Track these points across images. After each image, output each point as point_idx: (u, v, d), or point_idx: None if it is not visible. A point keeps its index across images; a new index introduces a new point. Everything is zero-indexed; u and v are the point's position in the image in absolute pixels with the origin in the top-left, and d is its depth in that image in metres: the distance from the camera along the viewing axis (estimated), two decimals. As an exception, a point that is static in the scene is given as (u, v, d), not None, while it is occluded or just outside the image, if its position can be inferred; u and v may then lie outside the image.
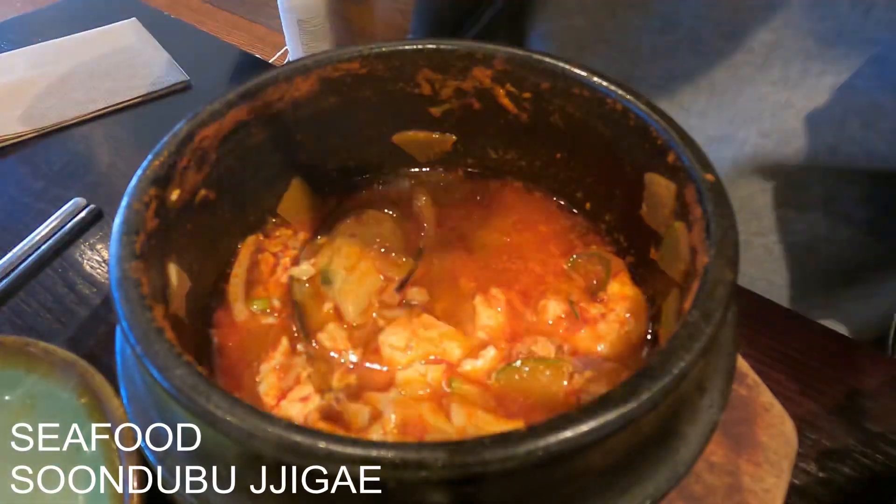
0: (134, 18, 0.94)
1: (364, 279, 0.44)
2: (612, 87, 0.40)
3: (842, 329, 0.68)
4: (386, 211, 0.48)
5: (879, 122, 0.58)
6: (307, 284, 0.44)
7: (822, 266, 0.70)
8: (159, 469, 0.31)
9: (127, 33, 0.92)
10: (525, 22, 0.76)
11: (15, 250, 0.60)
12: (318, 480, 0.26)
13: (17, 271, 0.59)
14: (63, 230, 0.63)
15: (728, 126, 0.64)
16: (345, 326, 0.42)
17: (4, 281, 0.58)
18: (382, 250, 0.45)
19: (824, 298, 0.71)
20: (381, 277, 0.44)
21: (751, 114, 0.62)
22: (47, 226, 0.63)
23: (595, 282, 0.44)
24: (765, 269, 0.69)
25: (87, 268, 0.60)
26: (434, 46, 0.44)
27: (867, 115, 0.58)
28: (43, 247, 0.61)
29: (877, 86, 0.57)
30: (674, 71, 0.65)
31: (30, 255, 0.61)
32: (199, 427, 0.28)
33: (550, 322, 0.42)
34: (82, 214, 0.65)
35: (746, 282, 0.68)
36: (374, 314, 0.42)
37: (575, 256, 0.46)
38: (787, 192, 0.66)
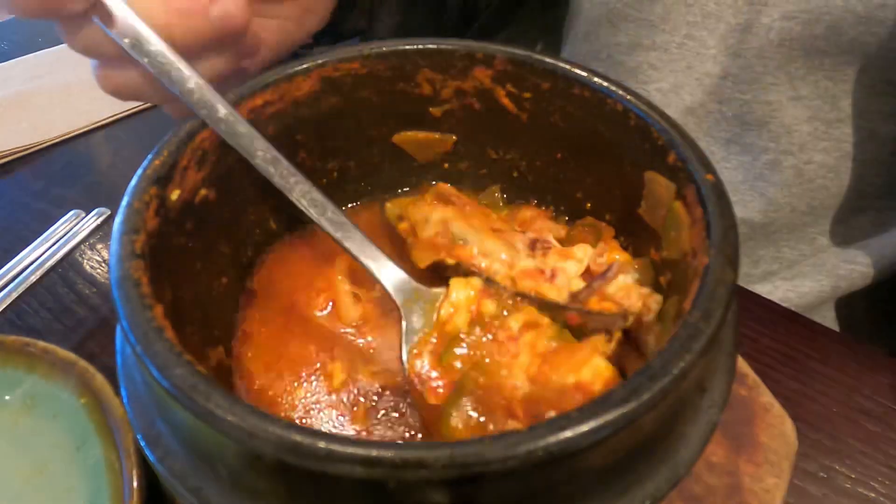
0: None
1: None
2: (613, 87, 0.40)
3: (864, 261, 0.67)
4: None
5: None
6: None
7: (845, 190, 0.68)
8: (159, 469, 0.31)
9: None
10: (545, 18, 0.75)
11: (18, 258, 0.60)
12: (318, 480, 0.26)
13: (21, 278, 0.59)
14: (70, 240, 0.63)
15: (749, 9, 0.62)
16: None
17: (7, 289, 0.58)
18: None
19: (845, 228, 0.70)
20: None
21: None
22: (50, 234, 0.63)
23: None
24: (792, 194, 0.68)
25: (87, 268, 0.60)
26: (434, 46, 0.44)
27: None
28: (49, 256, 0.61)
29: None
30: None
31: (34, 262, 0.60)
32: (199, 427, 0.28)
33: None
34: (93, 220, 0.65)
35: (773, 207, 0.68)
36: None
37: (570, 228, 0.47)
38: (816, 103, 0.64)
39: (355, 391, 0.40)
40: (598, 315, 0.39)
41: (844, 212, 0.69)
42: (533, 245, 0.43)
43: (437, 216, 0.44)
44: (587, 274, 0.41)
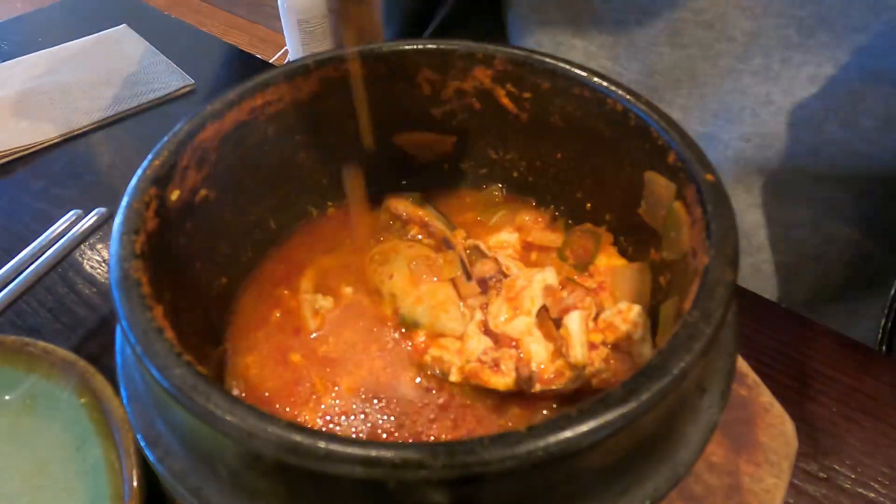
0: (124, 25, 0.94)
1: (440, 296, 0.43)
2: (613, 88, 0.40)
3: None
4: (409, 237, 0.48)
5: (859, 120, 0.58)
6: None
7: (807, 286, 0.69)
8: (159, 469, 0.31)
9: (121, 40, 0.91)
10: (501, 15, 0.75)
11: (18, 258, 0.60)
12: (317, 480, 0.26)
13: (21, 278, 0.59)
14: (70, 240, 0.63)
15: (711, 124, 0.63)
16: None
17: (7, 289, 0.58)
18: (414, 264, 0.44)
19: (818, 316, 0.71)
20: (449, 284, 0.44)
21: (732, 109, 0.62)
22: (50, 234, 0.63)
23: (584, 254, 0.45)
24: (756, 287, 0.69)
25: (88, 268, 0.60)
26: (434, 46, 0.44)
27: (847, 112, 0.58)
28: (49, 256, 0.61)
29: (858, 76, 0.56)
30: (654, 65, 0.64)
31: (34, 262, 0.60)
32: (199, 427, 0.28)
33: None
34: (92, 220, 0.64)
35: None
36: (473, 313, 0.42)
37: (568, 233, 0.47)
38: (775, 210, 0.65)
39: (353, 391, 0.40)
40: (546, 391, 0.39)
41: (814, 303, 0.70)
42: (484, 286, 0.43)
43: (387, 290, 0.44)
44: (551, 298, 0.41)
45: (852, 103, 0.57)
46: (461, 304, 0.42)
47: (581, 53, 0.68)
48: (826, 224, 0.65)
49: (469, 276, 0.43)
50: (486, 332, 0.41)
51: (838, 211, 0.64)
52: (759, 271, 0.68)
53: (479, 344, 0.40)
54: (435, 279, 0.43)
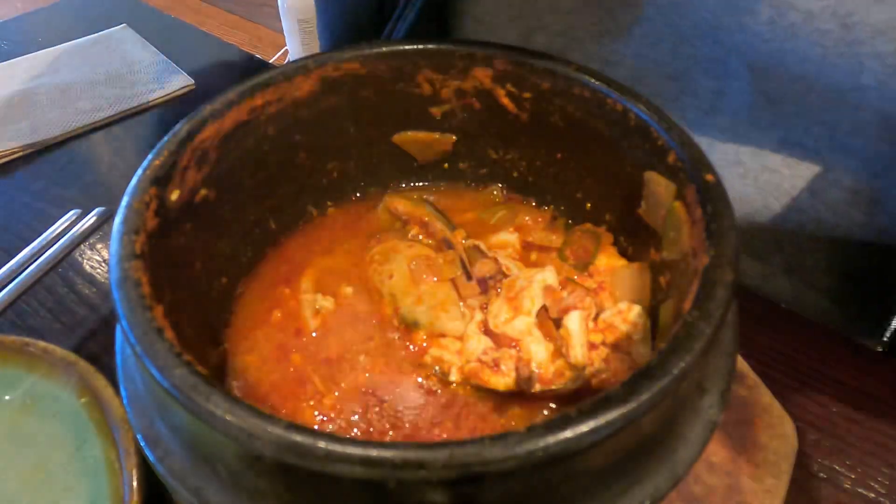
0: (124, 25, 0.94)
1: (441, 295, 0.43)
2: (613, 88, 0.40)
3: None
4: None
5: (827, 192, 0.56)
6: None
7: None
8: (159, 469, 0.31)
9: (121, 40, 0.91)
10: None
11: (18, 258, 0.60)
12: (317, 480, 0.26)
13: (21, 278, 0.59)
14: (70, 240, 0.62)
15: None
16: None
17: (7, 289, 0.58)
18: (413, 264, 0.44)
19: None
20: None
21: None
22: (50, 234, 0.63)
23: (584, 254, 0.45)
24: None
25: (87, 268, 0.60)
26: (435, 46, 0.44)
27: (816, 184, 0.56)
28: (49, 256, 0.61)
29: (827, 146, 0.55)
30: None
31: (34, 262, 0.60)
32: (199, 427, 0.28)
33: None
34: (93, 220, 0.64)
35: None
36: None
37: (568, 233, 0.47)
38: (749, 260, 0.64)
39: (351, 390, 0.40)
40: (546, 391, 0.39)
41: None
42: (484, 286, 0.43)
43: (387, 290, 0.43)
44: (551, 298, 0.41)
45: (821, 174, 0.56)
46: (461, 304, 0.42)
47: None
48: (803, 275, 0.64)
49: (469, 277, 0.43)
50: (486, 332, 0.41)
51: (814, 265, 0.63)
52: None
53: (479, 344, 0.40)
54: (435, 279, 0.43)
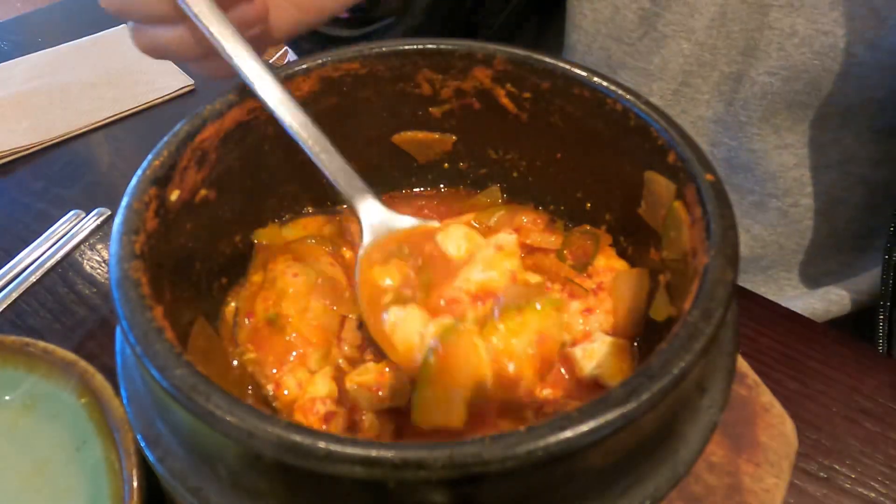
0: (124, 25, 0.93)
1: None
2: (612, 87, 0.40)
3: (849, 297, 0.68)
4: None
5: (883, 42, 0.56)
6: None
7: (835, 231, 0.69)
8: (159, 469, 0.31)
9: (121, 40, 0.91)
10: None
11: (18, 258, 0.60)
12: (317, 480, 0.26)
13: (21, 278, 0.59)
14: (70, 240, 0.63)
15: (739, 61, 0.63)
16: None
17: (7, 289, 0.58)
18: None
19: (836, 265, 0.71)
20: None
21: (759, 44, 0.61)
22: (50, 234, 0.63)
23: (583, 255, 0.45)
24: (777, 233, 0.69)
25: (87, 268, 0.60)
26: (434, 46, 0.44)
27: (872, 34, 0.56)
28: (49, 256, 0.61)
29: None
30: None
31: (34, 262, 0.60)
32: (199, 427, 0.28)
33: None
34: (93, 220, 0.64)
35: (759, 245, 0.69)
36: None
37: (567, 234, 0.47)
38: (803, 151, 0.65)
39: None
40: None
41: (841, 250, 0.70)
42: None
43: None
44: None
45: (877, 23, 0.56)
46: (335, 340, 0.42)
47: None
48: (853, 167, 0.65)
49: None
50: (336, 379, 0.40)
51: (866, 152, 0.64)
52: (785, 215, 0.68)
53: (323, 388, 0.39)
54: (334, 307, 0.43)
